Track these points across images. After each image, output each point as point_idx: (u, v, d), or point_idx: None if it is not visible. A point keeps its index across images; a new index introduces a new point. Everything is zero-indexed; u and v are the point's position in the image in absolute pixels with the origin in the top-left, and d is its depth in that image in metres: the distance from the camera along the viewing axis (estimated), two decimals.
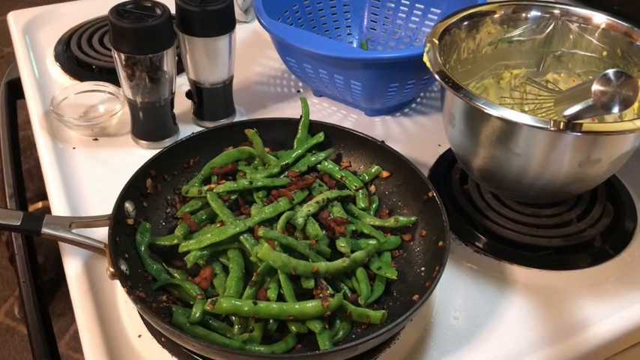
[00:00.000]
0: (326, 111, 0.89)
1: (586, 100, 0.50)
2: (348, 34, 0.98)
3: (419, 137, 0.84)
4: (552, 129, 0.55)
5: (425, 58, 0.64)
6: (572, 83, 0.74)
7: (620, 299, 0.63)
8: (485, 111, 0.57)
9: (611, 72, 0.48)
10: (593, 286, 0.64)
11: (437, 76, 0.61)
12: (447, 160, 0.78)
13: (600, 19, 0.70)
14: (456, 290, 0.63)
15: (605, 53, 0.71)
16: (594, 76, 0.70)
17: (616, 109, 0.48)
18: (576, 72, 0.74)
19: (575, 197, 0.72)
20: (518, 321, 0.60)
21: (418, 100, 0.91)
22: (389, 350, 0.56)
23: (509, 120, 0.57)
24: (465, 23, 0.70)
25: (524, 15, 0.72)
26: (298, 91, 0.93)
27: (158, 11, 0.71)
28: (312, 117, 0.73)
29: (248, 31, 1.06)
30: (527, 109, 0.75)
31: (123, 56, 0.71)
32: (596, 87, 0.48)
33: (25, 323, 0.70)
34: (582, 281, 0.64)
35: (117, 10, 0.71)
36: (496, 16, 0.72)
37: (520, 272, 0.65)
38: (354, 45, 0.98)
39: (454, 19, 0.70)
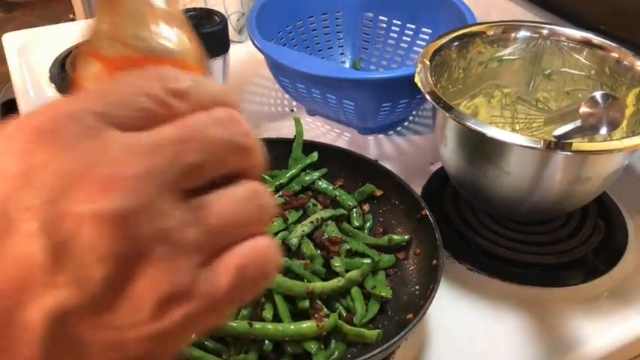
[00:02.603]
0: (319, 130, 0.90)
1: (574, 122, 0.51)
2: (341, 54, 0.99)
3: (412, 155, 0.85)
4: (542, 148, 0.56)
5: (416, 79, 0.65)
6: (562, 102, 0.76)
7: (614, 315, 0.63)
8: (476, 131, 0.58)
9: (598, 94, 0.49)
10: (586, 302, 0.64)
11: (428, 97, 0.62)
12: (440, 178, 0.78)
13: (587, 38, 0.71)
14: (450, 308, 0.63)
15: (593, 72, 0.72)
16: (583, 94, 0.71)
17: (604, 130, 0.49)
18: (565, 90, 0.75)
19: (566, 215, 0.73)
20: (512, 338, 0.61)
21: (411, 118, 0.92)
22: None
23: (500, 140, 0.57)
24: (456, 44, 0.71)
25: (513, 35, 0.74)
26: (292, 110, 0.93)
27: None
28: (306, 136, 0.74)
29: (242, 51, 1.07)
30: (518, 127, 0.76)
31: None
32: (583, 109, 0.49)
33: None
34: (575, 298, 0.65)
35: None
36: (486, 36, 0.73)
37: (513, 290, 0.65)
38: (347, 64, 0.99)
39: (445, 40, 0.71)
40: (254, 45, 0.80)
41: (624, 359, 0.64)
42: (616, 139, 0.61)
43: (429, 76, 0.65)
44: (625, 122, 0.68)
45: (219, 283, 0.20)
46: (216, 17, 0.76)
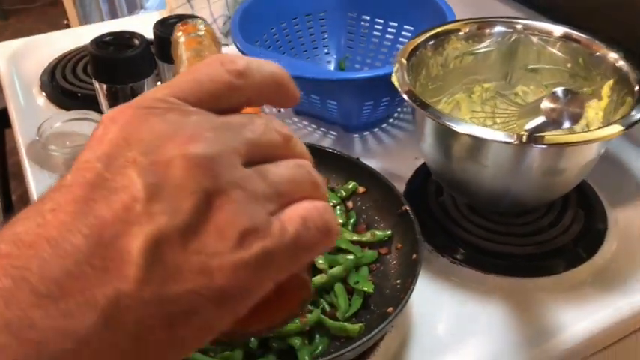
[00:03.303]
0: (306, 129, 0.91)
1: (541, 116, 0.52)
2: (326, 54, 1.00)
3: (397, 152, 0.86)
4: (516, 143, 0.57)
5: (393, 78, 0.66)
6: (541, 94, 0.77)
7: (596, 301, 0.65)
8: (452, 128, 0.60)
9: (559, 90, 0.50)
10: (568, 290, 0.66)
11: (405, 96, 0.64)
12: (423, 173, 0.80)
13: (561, 31, 0.73)
14: (434, 301, 0.65)
15: (568, 64, 0.73)
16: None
17: (567, 124, 0.50)
18: (544, 84, 0.76)
19: (547, 205, 0.74)
20: (496, 328, 0.62)
21: (395, 115, 0.93)
22: None
23: (475, 136, 0.59)
24: (431, 42, 0.73)
25: (488, 31, 0.75)
26: (279, 111, 0.95)
27: (136, 42, 0.74)
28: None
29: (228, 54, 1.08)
30: (499, 121, 0.77)
31: (104, 86, 0.74)
32: (545, 104, 0.50)
33: None
34: (558, 286, 0.66)
35: (96, 42, 0.73)
36: (461, 33, 0.75)
37: (496, 281, 0.67)
38: (332, 64, 1.00)
39: (421, 39, 0.72)
40: (237, 49, 0.82)
41: (608, 342, 0.65)
42: (590, 130, 0.63)
43: (405, 75, 0.66)
44: (601, 113, 0.69)
45: (287, 228, 0.24)
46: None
